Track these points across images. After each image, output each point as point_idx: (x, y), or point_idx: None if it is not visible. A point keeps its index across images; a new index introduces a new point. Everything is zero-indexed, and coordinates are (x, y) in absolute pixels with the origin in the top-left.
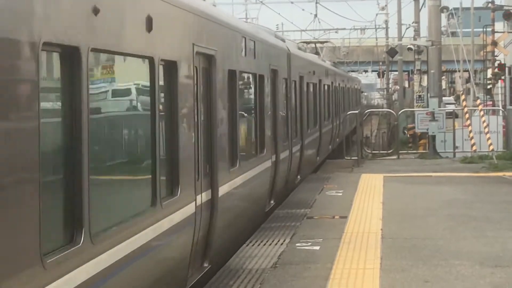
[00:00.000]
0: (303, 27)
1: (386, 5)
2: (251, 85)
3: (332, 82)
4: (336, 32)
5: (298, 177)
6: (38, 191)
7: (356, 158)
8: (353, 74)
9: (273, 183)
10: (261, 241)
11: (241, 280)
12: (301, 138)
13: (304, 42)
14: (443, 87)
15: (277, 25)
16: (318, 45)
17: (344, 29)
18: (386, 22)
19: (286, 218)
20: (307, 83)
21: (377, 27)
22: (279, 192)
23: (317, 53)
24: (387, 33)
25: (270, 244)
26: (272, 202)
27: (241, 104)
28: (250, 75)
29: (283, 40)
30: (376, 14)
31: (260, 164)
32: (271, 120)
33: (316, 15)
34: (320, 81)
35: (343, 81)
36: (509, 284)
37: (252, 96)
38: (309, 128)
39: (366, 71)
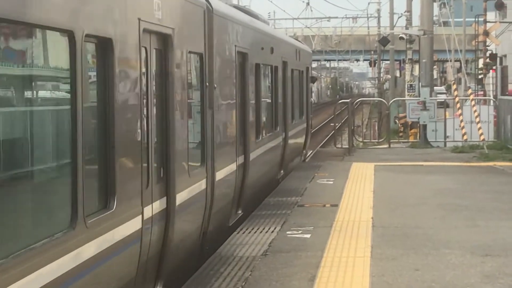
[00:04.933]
0: (295, 15)
1: None
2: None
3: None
4: (328, 20)
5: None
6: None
7: (347, 147)
8: (345, 63)
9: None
10: (252, 229)
11: (231, 267)
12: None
13: None
14: (435, 76)
15: (269, 13)
16: (310, 34)
17: (336, 17)
18: (378, 11)
19: (277, 206)
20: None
21: (369, 16)
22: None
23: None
24: (379, 22)
25: (261, 232)
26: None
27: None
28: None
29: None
30: (368, 3)
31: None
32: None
33: (308, 3)
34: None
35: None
36: (499, 273)
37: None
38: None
39: (357, 60)
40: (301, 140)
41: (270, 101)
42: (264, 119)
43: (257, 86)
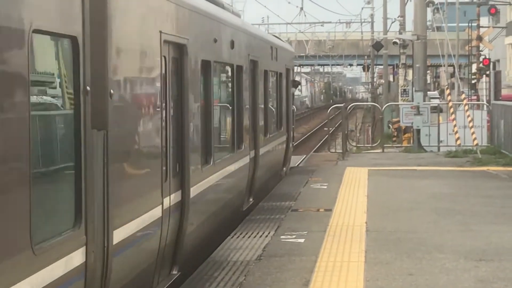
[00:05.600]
0: (289, 20)
1: None
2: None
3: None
4: (321, 25)
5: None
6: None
7: (341, 151)
8: (338, 68)
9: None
10: (246, 233)
11: (225, 272)
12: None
13: None
14: (428, 81)
15: (263, 18)
16: (303, 39)
17: (330, 22)
18: (372, 16)
19: (270, 210)
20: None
21: (362, 20)
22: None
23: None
24: (372, 27)
25: (255, 237)
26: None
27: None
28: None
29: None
30: (362, 8)
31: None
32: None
33: (302, 8)
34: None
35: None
36: (493, 278)
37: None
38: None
39: (351, 65)
40: (279, 157)
41: (229, 112)
42: (218, 136)
43: (206, 93)
